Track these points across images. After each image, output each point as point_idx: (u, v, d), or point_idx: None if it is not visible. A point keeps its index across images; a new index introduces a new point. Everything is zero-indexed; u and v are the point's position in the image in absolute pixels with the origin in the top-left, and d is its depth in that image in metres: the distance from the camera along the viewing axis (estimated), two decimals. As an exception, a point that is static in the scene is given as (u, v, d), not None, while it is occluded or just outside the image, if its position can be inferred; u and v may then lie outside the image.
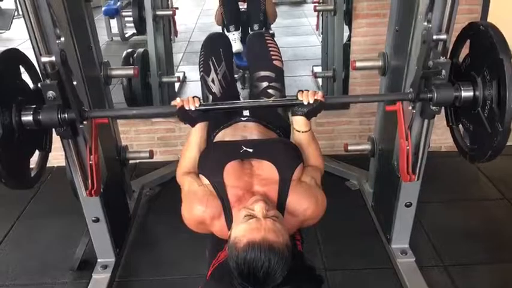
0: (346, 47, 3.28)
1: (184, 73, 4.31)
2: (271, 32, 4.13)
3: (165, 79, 3.61)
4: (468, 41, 1.73)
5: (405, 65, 2.02)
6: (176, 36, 4.36)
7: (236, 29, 3.76)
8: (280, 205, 1.52)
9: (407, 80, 2.03)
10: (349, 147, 2.75)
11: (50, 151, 1.87)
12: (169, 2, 4.02)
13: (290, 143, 1.75)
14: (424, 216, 2.68)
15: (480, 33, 1.62)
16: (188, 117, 1.68)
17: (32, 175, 1.77)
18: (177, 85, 3.98)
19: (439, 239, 2.58)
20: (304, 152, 1.70)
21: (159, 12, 3.51)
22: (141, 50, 3.52)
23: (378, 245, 2.53)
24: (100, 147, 2.02)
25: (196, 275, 2.17)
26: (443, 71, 1.68)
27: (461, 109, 1.78)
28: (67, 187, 2.18)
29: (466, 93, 1.66)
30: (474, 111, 1.67)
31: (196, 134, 1.70)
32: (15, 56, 1.69)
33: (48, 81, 1.65)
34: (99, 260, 2.40)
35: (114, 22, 5.25)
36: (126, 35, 5.22)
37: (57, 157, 3.16)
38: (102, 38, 5.20)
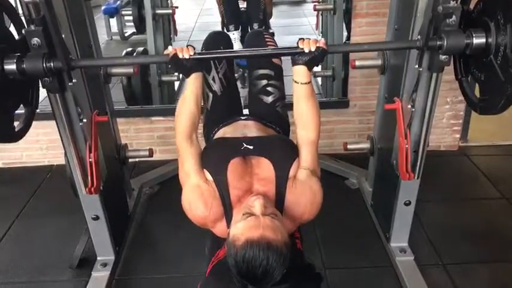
0: (346, 46, 3.28)
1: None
2: (271, 31, 4.13)
3: (164, 78, 3.62)
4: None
5: (404, 63, 2.02)
6: (176, 35, 4.36)
7: (236, 29, 3.76)
8: (279, 203, 1.52)
9: (406, 79, 2.03)
10: (349, 146, 2.76)
11: (37, 108, 1.77)
12: (169, 1, 4.04)
13: (288, 139, 1.75)
14: (423, 215, 2.69)
15: None
16: (182, 67, 1.61)
17: (17, 130, 1.68)
18: (176, 84, 3.99)
19: (438, 238, 2.58)
20: (303, 109, 1.65)
21: (158, 11, 3.53)
22: (140, 48, 3.53)
23: (377, 244, 2.54)
24: (99, 145, 2.03)
25: (196, 272, 2.17)
26: (454, 16, 1.59)
27: (472, 58, 1.69)
28: (66, 185, 2.18)
29: (478, 40, 1.57)
30: (486, 59, 1.59)
31: (192, 84, 1.62)
32: None
33: (32, 27, 1.55)
34: (98, 258, 2.41)
35: (113, 21, 5.25)
36: (126, 34, 5.22)
37: (56, 155, 3.18)
38: (102, 37, 5.20)
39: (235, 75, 2.76)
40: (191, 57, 1.59)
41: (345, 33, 3.40)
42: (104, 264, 2.37)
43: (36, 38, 1.54)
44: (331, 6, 3.45)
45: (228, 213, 1.50)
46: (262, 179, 1.54)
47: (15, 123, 1.67)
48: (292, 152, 1.63)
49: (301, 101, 1.65)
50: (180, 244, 2.55)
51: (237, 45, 3.61)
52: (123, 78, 3.39)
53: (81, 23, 2.06)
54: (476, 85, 1.72)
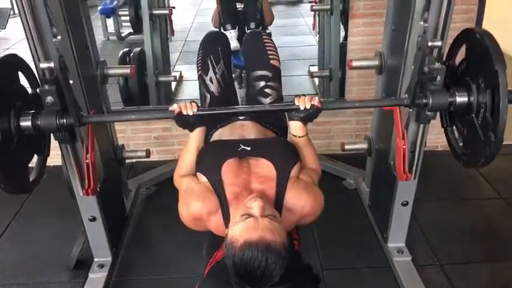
0: (343, 47, 3.29)
1: (180, 72, 4.31)
2: (268, 31, 4.13)
3: (161, 78, 3.61)
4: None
5: (402, 63, 2.02)
6: (173, 36, 4.36)
7: (233, 28, 3.76)
8: (278, 202, 1.52)
9: (403, 79, 2.03)
10: (346, 146, 2.76)
11: (48, 155, 1.87)
12: (165, 1, 4.03)
13: (287, 142, 1.75)
14: (420, 215, 2.69)
15: (476, 41, 1.63)
16: (186, 123, 1.68)
17: (31, 180, 1.77)
18: (173, 84, 3.98)
19: (436, 238, 2.59)
20: (301, 156, 1.70)
21: (155, 11, 3.52)
22: (137, 49, 3.52)
23: (374, 244, 2.54)
24: (96, 146, 2.02)
25: (194, 274, 2.17)
26: (438, 77, 1.70)
27: (456, 113, 1.80)
28: (63, 186, 2.18)
29: (461, 99, 1.68)
30: (468, 117, 1.69)
31: (195, 138, 1.69)
32: (14, 62, 1.69)
33: (46, 86, 1.65)
34: (95, 259, 2.40)
35: (110, 21, 5.25)
36: (123, 34, 5.22)
37: (53, 156, 3.15)
38: (99, 37, 5.16)
39: (233, 75, 2.77)
40: (194, 113, 1.66)
41: (342, 33, 3.41)
42: (101, 266, 2.37)
43: (49, 97, 1.64)
44: (328, 7, 3.45)
45: (224, 208, 1.50)
46: (261, 177, 1.55)
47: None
48: (294, 154, 1.64)
49: (300, 151, 1.70)
50: (177, 245, 2.55)
51: (234, 43, 3.61)
52: (120, 78, 3.39)
53: (78, 23, 2.05)
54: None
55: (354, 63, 2.39)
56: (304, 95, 1.70)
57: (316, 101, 1.67)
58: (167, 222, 2.64)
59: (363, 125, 3.30)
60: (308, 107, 1.66)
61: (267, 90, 2.04)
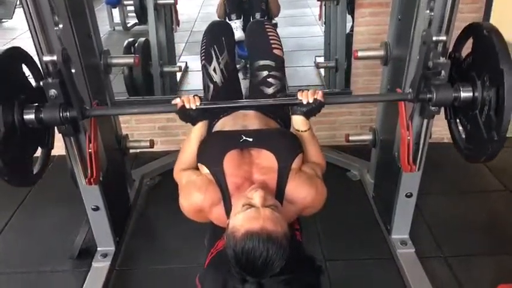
0: (349, 37, 3.26)
1: (186, 63, 4.29)
2: (274, 21, 4.11)
3: (166, 69, 3.59)
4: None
5: (407, 54, 2.00)
6: (178, 26, 4.33)
7: (238, 18, 3.74)
8: (279, 193, 1.51)
9: (409, 70, 2.01)
10: (351, 138, 2.74)
11: (52, 148, 1.87)
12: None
13: (290, 133, 1.74)
14: (425, 207, 2.68)
15: (483, 37, 1.61)
16: (189, 116, 1.67)
17: (35, 172, 1.78)
18: (178, 75, 3.97)
19: (440, 230, 2.57)
20: (305, 150, 1.69)
21: (160, 1, 3.49)
22: (142, 39, 3.50)
23: (378, 236, 2.53)
24: (99, 136, 2.02)
25: (196, 264, 2.17)
26: (443, 72, 1.68)
27: (460, 108, 1.78)
28: (68, 176, 2.18)
29: (465, 94, 1.66)
30: (472, 113, 1.68)
31: (197, 132, 1.69)
32: (18, 54, 1.69)
33: (50, 79, 1.65)
34: (99, 249, 2.41)
35: (116, 11, 5.23)
36: (128, 25, 5.20)
37: (58, 146, 3.16)
38: (105, 27, 5.18)
39: (237, 66, 2.76)
40: (197, 107, 1.65)
41: (349, 24, 3.37)
42: (104, 255, 2.38)
43: (53, 90, 1.65)
44: (334, -4, 3.41)
45: (226, 199, 1.50)
46: (263, 168, 1.54)
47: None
48: (296, 146, 1.63)
49: (303, 146, 1.69)
50: (180, 235, 2.55)
51: (239, 33, 3.59)
52: (125, 68, 3.38)
53: (80, 12, 2.04)
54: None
55: (359, 54, 2.36)
56: (307, 89, 1.69)
57: (319, 95, 1.65)
58: (171, 212, 2.61)
59: (368, 116, 3.28)
60: (311, 101, 1.64)
61: (270, 79, 2.02)
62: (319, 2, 4.17)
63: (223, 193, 1.51)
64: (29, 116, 1.64)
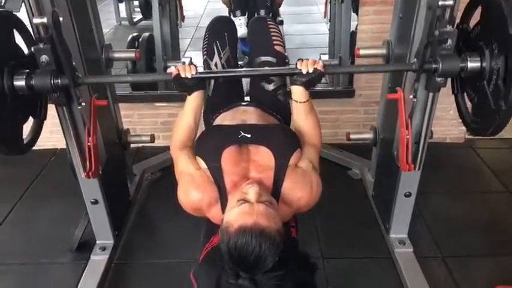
0: (353, 35, 3.24)
1: (191, 58, 4.26)
2: (280, 19, 4.11)
3: (170, 64, 3.59)
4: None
5: (408, 53, 1.99)
6: (183, 21, 4.34)
7: (242, 14, 3.74)
8: (276, 191, 1.51)
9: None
10: (351, 136, 2.73)
11: (45, 119, 1.85)
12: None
13: (289, 129, 1.73)
14: (425, 207, 2.67)
15: (491, 4, 1.55)
16: (184, 85, 1.66)
17: (25, 142, 1.75)
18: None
19: (439, 230, 2.56)
20: (302, 127, 1.68)
21: (165, -4, 3.50)
22: (146, 34, 3.51)
23: (376, 235, 2.52)
24: (99, 129, 2.03)
25: (194, 259, 2.14)
26: (449, 41, 1.61)
27: (467, 79, 1.72)
28: (69, 169, 2.18)
29: (473, 64, 1.61)
30: (480, 84, 1.62)
31: (193, 103, 1.67)
32: (7, 19, 1.64)
33: (41, 45, 1.61)
34: (97, 242, 2.42)
35: (122, 6, 5.24)
36: (135, 20, 5.21)
37: (60, 139, 3.18)
38: (111, 22, 5.20)
39: (241, 63, 2.75)
40: (193, 76, 1.63)
41: (355, 22, 3.36)
42: (103, 248, 2.39)
43: (44, 56, 1.61)
44: (340, -5, 3.40)
45: (223, 198, 1.50)
46: (260, 165, 1.54)
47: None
48: (294, 142, 1.62)
49: (301, 118, 1.69)
50: (179, 230, 2.55)
51: (242, 30, 3.59)
52: (128, 63, 3.39)
53: (82, 5, 2.04)
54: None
55: (361, 52, 2.35)
56: (307, 58, 1.67)
57: (319, 65, 1.63)
58: (170, 207, 2.61)
59: (371, 114, 3.26)
60: (311, 71, 1.62)
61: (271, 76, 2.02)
62: (324, 0, 4.17)
63: (220, 191, 1.51)
64: (19, 83, 1.60)
